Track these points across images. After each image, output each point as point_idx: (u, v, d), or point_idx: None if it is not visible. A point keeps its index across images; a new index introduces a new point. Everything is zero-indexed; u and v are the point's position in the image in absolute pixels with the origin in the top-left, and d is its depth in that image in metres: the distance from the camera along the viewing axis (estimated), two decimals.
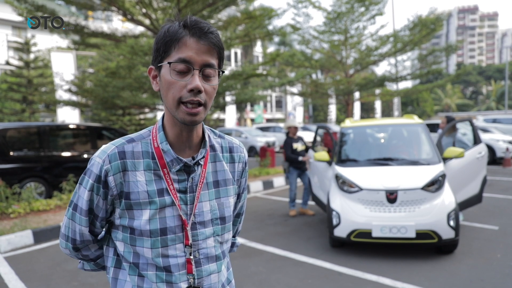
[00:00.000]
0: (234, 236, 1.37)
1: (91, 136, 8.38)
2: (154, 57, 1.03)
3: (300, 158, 6.18)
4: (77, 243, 1.11)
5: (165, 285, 1.03)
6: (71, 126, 8.39)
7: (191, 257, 1.05)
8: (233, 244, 1.37)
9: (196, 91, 0.96)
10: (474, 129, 5.27)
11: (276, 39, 33.81)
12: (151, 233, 1.01)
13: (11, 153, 6.90)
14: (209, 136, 1.14)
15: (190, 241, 1.05)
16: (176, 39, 0.97)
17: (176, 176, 1.05)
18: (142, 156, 1.04)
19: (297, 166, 6.30)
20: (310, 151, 6.32)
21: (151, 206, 1.02)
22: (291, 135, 6.44)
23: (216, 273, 1.10)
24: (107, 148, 1.04)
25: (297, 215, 6.36)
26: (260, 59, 37.19)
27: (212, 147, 1.14)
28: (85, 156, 7.87)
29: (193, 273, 1.05)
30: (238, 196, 1.25)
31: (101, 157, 1.02)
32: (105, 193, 1.03)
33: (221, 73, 1.04)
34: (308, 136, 17.84)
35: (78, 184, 1.07)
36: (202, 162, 1.09)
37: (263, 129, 21.61)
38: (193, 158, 1.07)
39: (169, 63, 0.97)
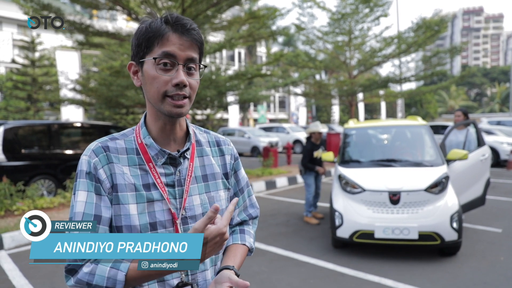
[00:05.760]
0: (244, 221, 1.24)
1: (100, 134, 8.53)
2: (135, 53, 1.03)
3: (316, 168, 5.89)
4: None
5: (156, 284, 1.00)
6: (81, 125, 8.53)
7: None
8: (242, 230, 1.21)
9: (181, 86, 0.98)
10: (478, 131, 5.25)
11: (280, 39, 33.84)
12: (141, 228, 0.99)
13: (23, 151, 6.99)
14: (194, 131, 1.15)
15: None
16: (159, 35, 0.98)
17: (162, 170, 1.04)
18: (126, 152, 1.04)
19: (313, 169, 6.01)
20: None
21: (138, 199, 1.00)
22: (313, 140, 6.05)
23: (210, 269, 1.08)
24: (91, 145, 1.05)
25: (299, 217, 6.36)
26: (264, 59, 37.20)
27: (198, 142, 1.15)
28: None
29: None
30: (239, 192, 1.23)
31: (86, 153, 1.02)
32: (99, 188, 0.99)
33: (202, 67, 1.06)
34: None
35: (72, 196, 1.01)
36: (188, 156, 1.09)
37: (266, 129, 21.60)
38: (178, 151, 1.07)
39: (154, 58, 0.98)
